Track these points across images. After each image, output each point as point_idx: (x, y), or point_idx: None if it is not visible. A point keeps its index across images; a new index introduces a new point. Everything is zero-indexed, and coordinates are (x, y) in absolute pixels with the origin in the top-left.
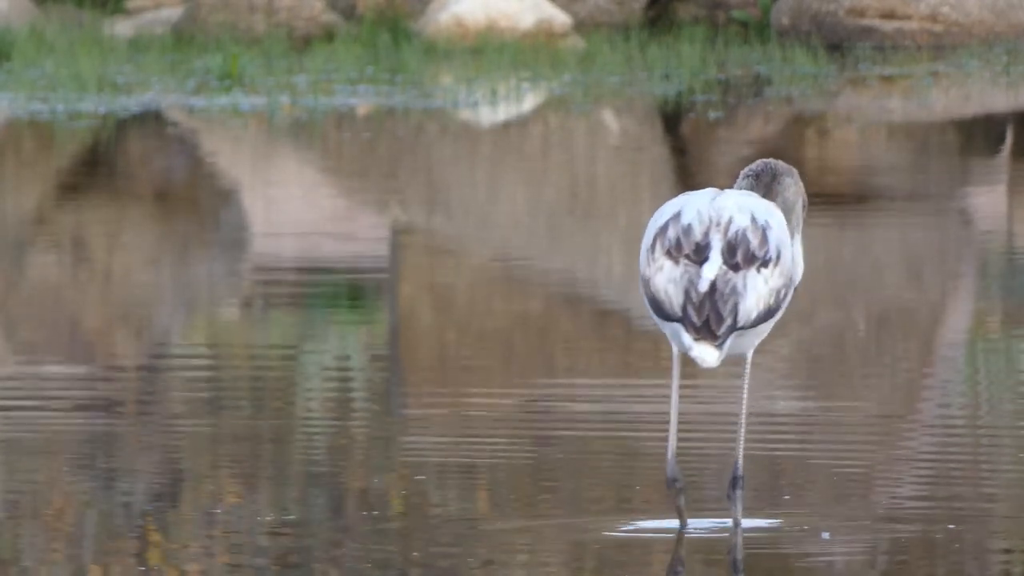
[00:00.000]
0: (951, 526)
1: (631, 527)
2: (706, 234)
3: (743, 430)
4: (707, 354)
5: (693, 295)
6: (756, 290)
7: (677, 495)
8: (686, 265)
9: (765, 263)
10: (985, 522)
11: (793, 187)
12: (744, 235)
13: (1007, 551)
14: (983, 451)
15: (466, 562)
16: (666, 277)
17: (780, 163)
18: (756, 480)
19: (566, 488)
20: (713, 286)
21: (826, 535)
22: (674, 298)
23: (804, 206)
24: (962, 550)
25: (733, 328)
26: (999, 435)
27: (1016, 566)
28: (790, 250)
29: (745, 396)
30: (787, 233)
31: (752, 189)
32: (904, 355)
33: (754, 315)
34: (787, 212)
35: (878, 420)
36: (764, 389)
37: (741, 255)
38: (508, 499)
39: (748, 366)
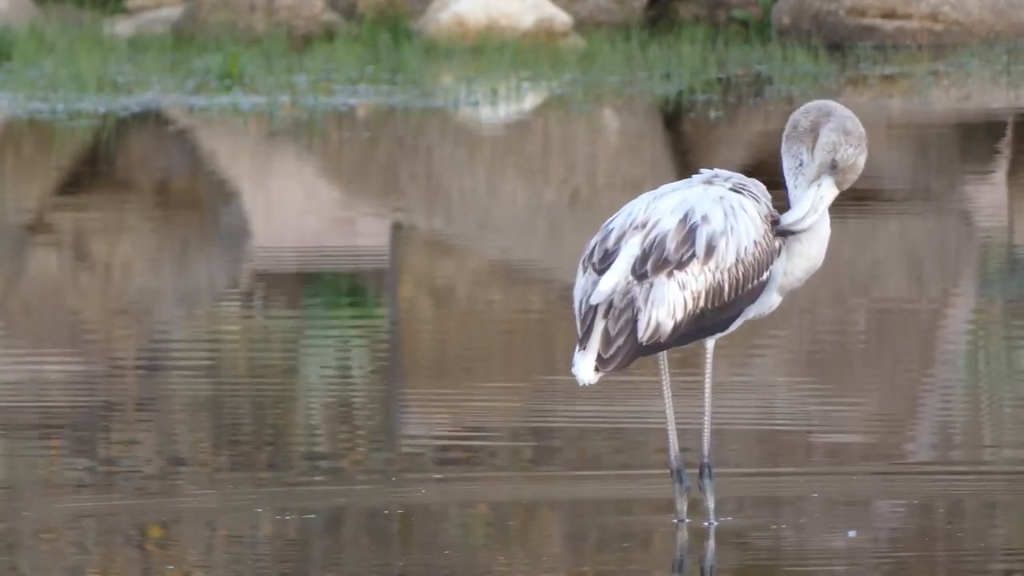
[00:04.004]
0: (949, 524)
1: (631, 520)
2: (620, 239)
3: (709, 419)
4: (583, 370)
5: (583, 306)
6: (667, 301)
7: (681, 488)
8: (590, 275)
9: (682, 264)
10: (985, 522)
11: (832, 139)
12: (661, 240)
13: (1008, 550)
14: (983, 449)
15: (466, 558)
16: (577, 288)
17: (844, 114)
18: (757, 478)
19: (566, 483)
20: (611, 304)
21: (852, 533)
22: (576, 311)
23: (837, 168)
24: (962, 549)
25: (633, 349)
26: (999, 434)
27: (1017, 564)
28: (743, 239)
29: (709, 386)
30: (751, 224)
31: (807, 113)
32: (904, 353)
33: (670, 326)
34: (814, 154)
35: (878, 419)
36: (764, 388)
37: (652, 262)
38: (508, 494)
39: (710, 356)
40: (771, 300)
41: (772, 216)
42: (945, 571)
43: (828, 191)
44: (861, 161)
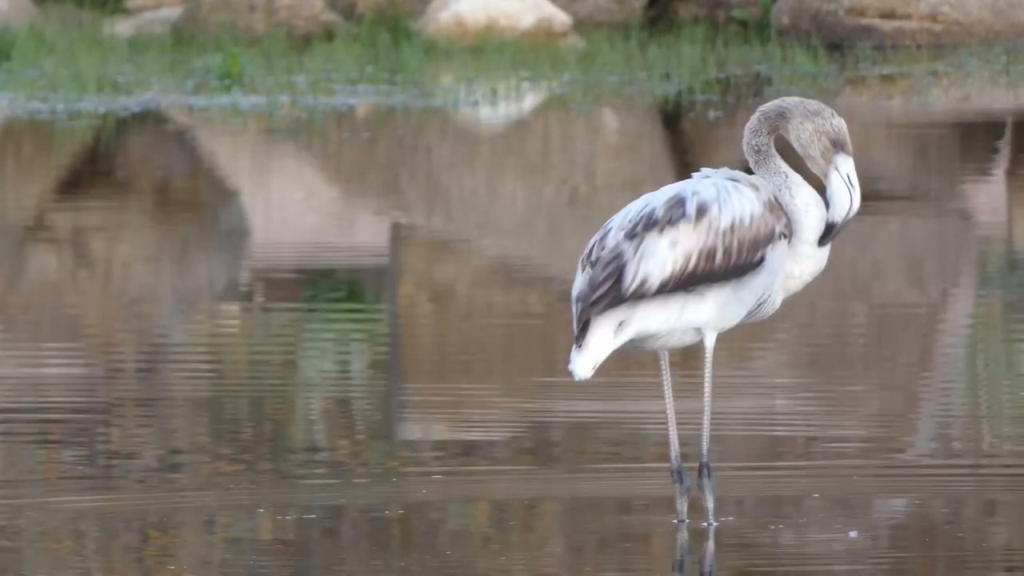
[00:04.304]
0: (949, 523)
1: (631, 519)
2: (618, 232)
3: (708, 418)
4: (579, 366)
5: (579, 304)
6: (657, 255)
7: (682, 488)
8: (587, 273)
9: (672, 222)
10: (985, 521)
11: (808, 130)
12: (650, 212)
13: (1008, 551)
14: (983, 449)
15: (466, 558)
16: (575, 286)
17: (792, 103)
18: (758, 477)
19: (565, 482)
20: (597, 259)
21: (853, 534)
22: (573, 308)
23: (836, 144)
24: (961, 551)
25: (617, 296)
26: (999, 432)
27: (1017, 570)
28: (737, 209)
29: (708, 386)
30: (746, 202)
31: (757, 132)
32: (904, 354)
33: (658, 279)
34: (804, 155)
35: (878, 417)
36: (763, 390)
37: (641, 225)
38: (507, 496)
39: (709, 356)
40: (774, 301)
41: (772, 203)
42: (946, 570)
43: (848, 164)
44: (841, 121)
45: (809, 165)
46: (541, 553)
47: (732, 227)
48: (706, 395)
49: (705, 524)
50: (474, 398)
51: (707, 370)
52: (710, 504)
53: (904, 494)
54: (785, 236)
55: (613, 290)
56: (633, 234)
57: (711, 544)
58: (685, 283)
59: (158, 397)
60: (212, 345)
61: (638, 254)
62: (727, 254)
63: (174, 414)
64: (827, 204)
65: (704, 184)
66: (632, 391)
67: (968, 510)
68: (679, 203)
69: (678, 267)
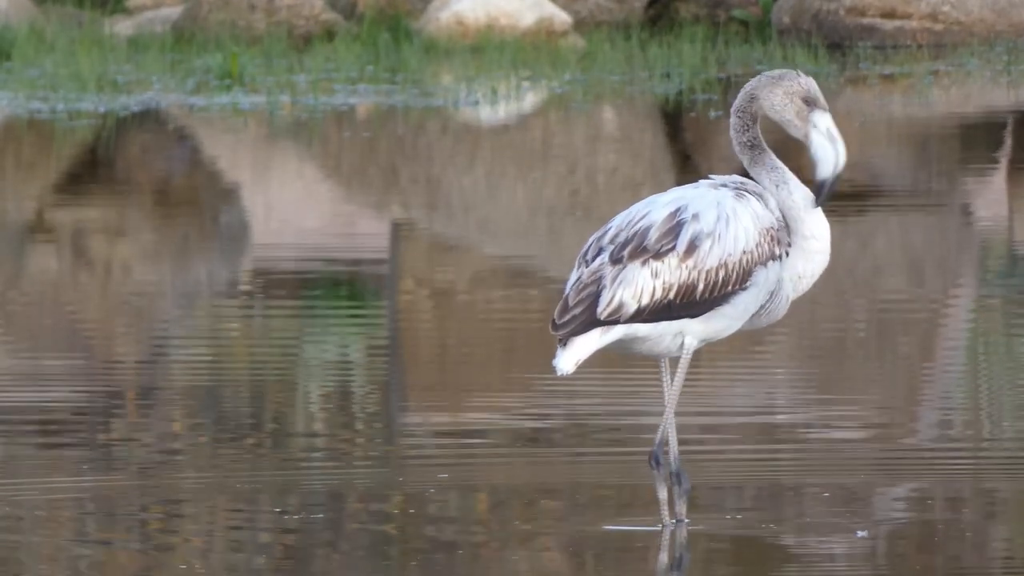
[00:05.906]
0: (939, 527)
1: (628, 524)
2: (615, 238)
3: (671, 410)
4: (562, 361)
5: (552, 321)
6: (634, 283)
7: (680, 490)
8: (582, 269)
9: (660, 255)
10: (985, 526)
11: (778, 95)
12: (644, 230)
13: (1008, 557)
14: (983, 451)
15: (465, 559)
16: (569, 283)
17: (753, 82)
18: (757, 481)
19: (564, 484)
20: (579, 278)
21: (862, 533)
22: None
23: (809, 101)
24: (960, 552)
25: (589, 320)
26: (999, 434)
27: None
28: (729, 245)
29: (678, 383)
30: (742, 234)
31: (744, 129)
32: (904, 353)
33: (633, 308)
34: (782, 121)
35: (878, 420)
36: (763, 389)
37: (630, 249)
38: (507, 495)
39: (687, 353)
40: (777, 310)
41: (774, 228)
42: (951, 565)
43: (826, 119)
44: (809, 79)
45: (789, 131)
46: (540, 552)
47: (719, 265)
48: (674, 390)
49: (661, 526)
50: (474, 395)
51: (681, 368)
52: (663, 496)
53: (906, 492)
54: (784, 256)
55: (586, 314)
56: (618, 258)
57: (709, 544)
58: (664, 311)
59: (157, 398)
60: (212, 343)
61: (616, 281)
62: (708, 289)
63: (174, 410)
64: (814, 164)
65: (706, 202)
66: (632, 388)
67: (972, 506)
68: (674, 229)
69: (656, 298)
